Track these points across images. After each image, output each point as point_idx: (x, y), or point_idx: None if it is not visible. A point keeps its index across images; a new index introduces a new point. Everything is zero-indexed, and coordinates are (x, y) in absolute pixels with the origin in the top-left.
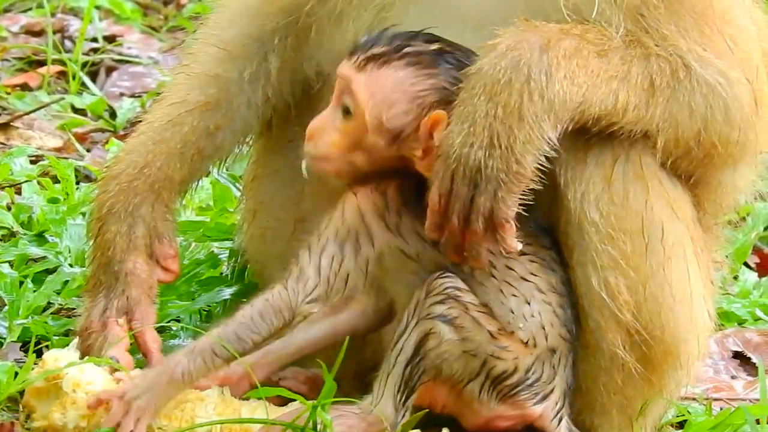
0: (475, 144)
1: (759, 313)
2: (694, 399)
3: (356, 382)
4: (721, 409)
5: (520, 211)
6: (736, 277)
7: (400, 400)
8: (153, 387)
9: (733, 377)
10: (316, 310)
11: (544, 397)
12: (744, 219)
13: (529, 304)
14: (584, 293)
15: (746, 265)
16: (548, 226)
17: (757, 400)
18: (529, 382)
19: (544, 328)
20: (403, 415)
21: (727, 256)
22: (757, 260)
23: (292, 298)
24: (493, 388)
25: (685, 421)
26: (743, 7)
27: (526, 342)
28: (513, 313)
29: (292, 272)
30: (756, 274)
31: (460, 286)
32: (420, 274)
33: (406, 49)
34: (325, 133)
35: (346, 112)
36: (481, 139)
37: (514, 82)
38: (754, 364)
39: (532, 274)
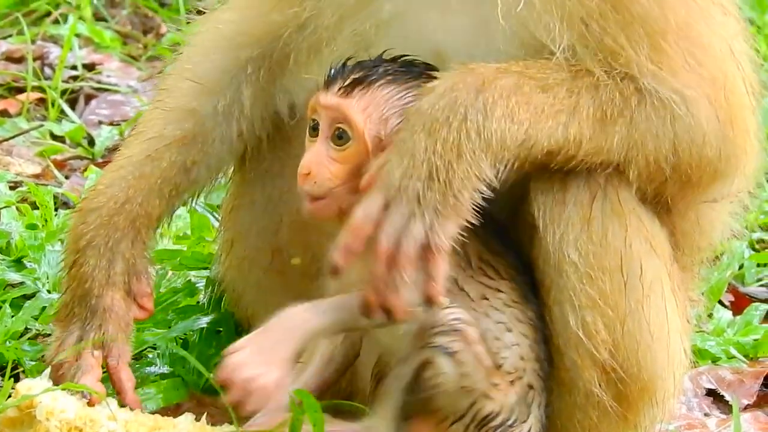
0: (414, 176)
1: (733, 351)
2: None
3: (331, 413)
4: None
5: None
6: (710, 315)
7: (396, 426)
8: (281, 340)
9: (706, 414)
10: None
11: None
12: (719, 257)
13: (510, 331)
14: (560, 332)
15: (721, 303)
16: (526, 262)
17: None
18: (509, 422)
19: (522, 359)
20: None
21: (702, 294)
22: (732, 298)
23: None
24: (478, 430)
25: None
26: (710, 21)
27: (511, 373)
28: (498, 340)
29: None
30: (730, 312)
31: (466, 319)
32: None
33: (381, 69)
34: (323, 167)
35: (341, 138)
36: (420, 171)
37: (452, 121)
38: (728, 402)
39: (514, 301)
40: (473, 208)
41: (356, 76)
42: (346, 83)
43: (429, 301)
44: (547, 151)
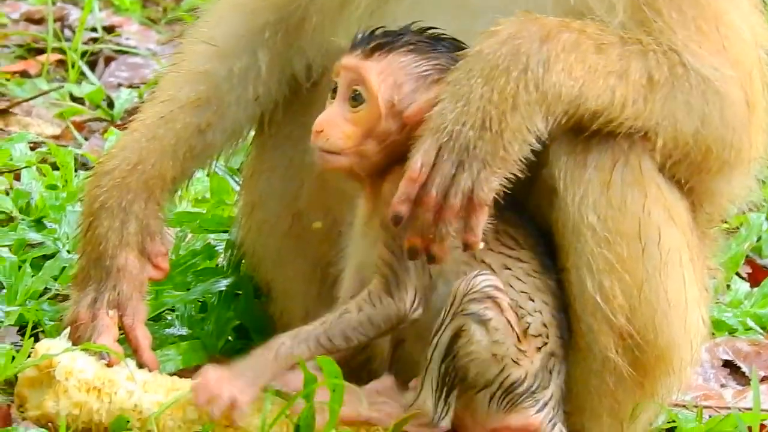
0: (468, 123)
1: (750, 322)
2: (683, 406)
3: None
4: (710, 416)
5: (516, 212)
6: (728, 287)
7: (439, 396)
8: (258, 363)
9: (722, 386)
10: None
11: (544, 405)
12: (737, 229)
13: (533, 301)
14: (577, 297)
15: (738, 275)
16: (546, 231)
17: (747, 408)
18: (533, 388)
19: (545, 326)
20: (444, 412)
21: (719, 266)
22: (749, 270)
23: (401, 306)
24: (504, 398)
25: (675, 427)
26: (739, 11)
27: (537, 336)
28: (521, 308)
29: (389, 279)
30: (747, 284)
31: (499, 285)
32: None
33: (405, 38)
34: (336, 126)
35: (356, 100)
36: (474, 119)
37: (512, 70)
38: (744, 373)
39: (534, 271)
40: (519, 162)
41: (379, 41)
42: (368, 47)
43: (468, 248)
44: (592, 111)
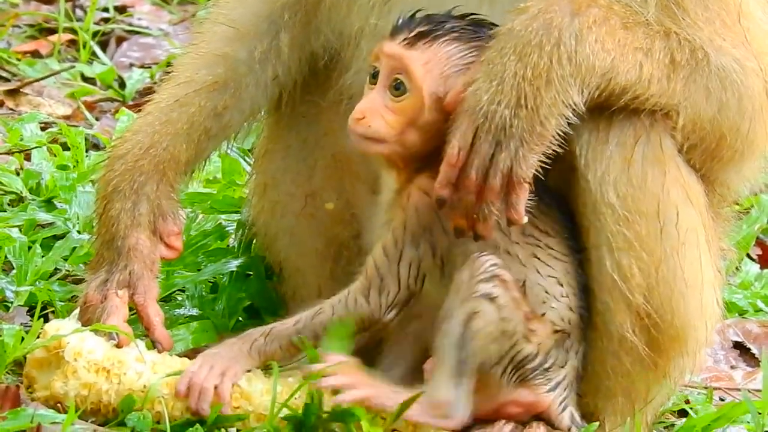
0: (503, 102)
1: (760, 304)
2: (694, 387)
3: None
4: (720, 399)
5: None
6: (738, 268)
7: (457, 383)
8: (234, 356)
9: (732, 367)
10: (394, 315)
11: (557, 385)
12: (748, 210)
13: (561, 285)
14: (596, 275)
15: (749, 256)
16: (569, 211)
17: (756, 390)
18: (546, 366)
19: (571, 310)
20: (463, 402)
21: (730, 247)
22: (760, 252)
23: (375, 310)
24: (515, 372)
25: (686, 409)
26: (758, 4)
27: (555, 323)
28: (547, 293)
29: (372, 280)
30: (758, 265)
31: (501, 264)
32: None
33: (447, 25)
34: (378, 114)
35: (398, 89)
36: (509, 98)
37: (544, 45)
38: (754, 354)
39: (564, 255)
40: (556, 137)
41: (422, 29)
42: (411, 35)
43: (511, 224)
44: (622, 86)
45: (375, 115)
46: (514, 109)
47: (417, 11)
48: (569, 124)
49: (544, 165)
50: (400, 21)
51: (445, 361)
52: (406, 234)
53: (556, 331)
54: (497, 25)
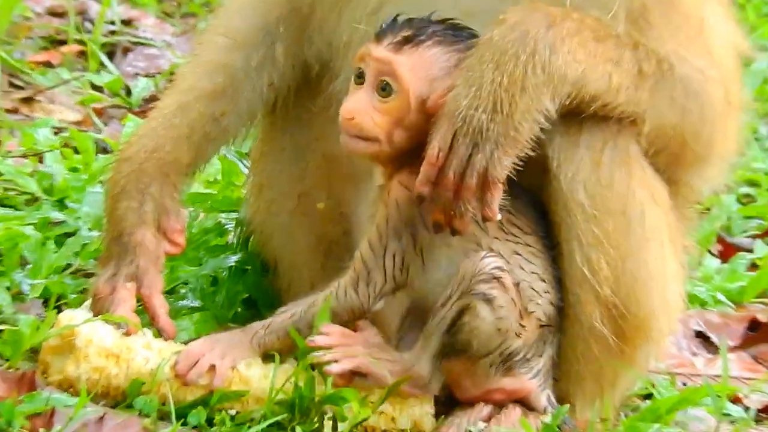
0: (480, 107)
1: (720, 296)
2: (658, 373)
3: None
4: (683, 383)
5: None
6: (700, 263)
7: (435, 363)
8: (235, 343)
9: (694, 354)
10: (382, 304)
11: (537, 372)
12: (709, 209)
13: (543, 281)
14: (567, 269)
15: (710, 252)
16: (542, 212)
17: (716, 376)
18: (528, 356)
19: (552, 304)
20: (435, 381)
21: (693, 243)
22: (720, 248)
23: (363, 300)
24: (503, 365)
25: (651, 394)
26: (718, 16)
27: (541, 319)
28: (533, 289)
29: (360, 273)
30: (718, 260)
31: (503, 266)
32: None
33: (430, 30)
34: (366, 114)
35: (385, 90)
36: (486, 103)
37: (520, 54)
38: (714, 343)
39: (540, 251)
40: (529, 141)
41: (407, 33)
42: (396, 39)
43: (485, 221)
44: (592, 94)
45: (364, 115)
46: (490, 114)
47: (398, 15)
48: (542, 129)
49: (519, 167)
50: (384, 25)
51: (431, 341)
52: (389, 228)
53: (542, 326)
54: (472, 29)
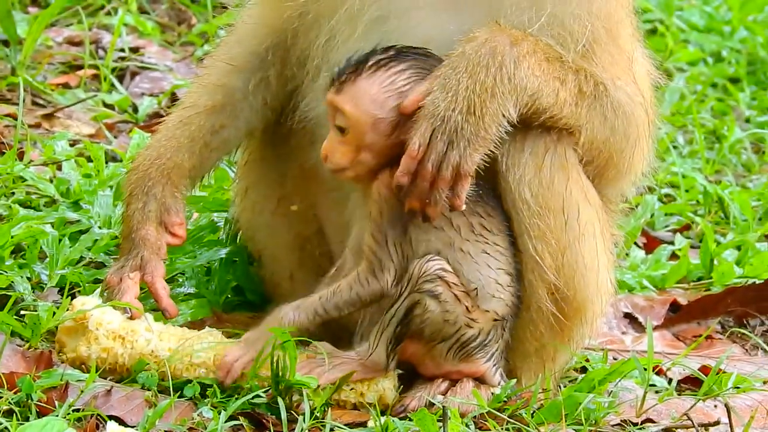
0: (456, 109)
1: (645, 282)
2: (592, 349)
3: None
4: (614, 358)
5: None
6: (627, 254)
7: (390, 350)
8: (266, 332)
9: (623, 333)
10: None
11: (491, 356)
12: (635, 207)
13: (509, 275)
14: (521, 258)
15: (636, 244)
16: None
17: (643, 351)
18: (485, 342)
19: (513, 295)
20: (391, 363)
21: (622, 236)
22: (645, 241)
23: (383, 285)
24: (459, 350)
25: (585, 367)
26: (640, 52)
27: (498, 313)
28: (498, 283)
29: (373, 262)
30: (643, 251)
31: (446, 268)
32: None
33: (368, 62)
34: (335, 150)
35: (340, 128)
36: (461, 106)
37: (490, 66)
38: (641, 323)
39: (507, 249)
40: (496, 141)
41: (345, 74)
42: (340, 80)
43: (453, 209)
44: (543, 107)
45: (333, 151)
46: (465, 115)
47: (348, 58)
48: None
49: (480, 169)
50: (334, 72)
51: (385, 331)
52: (384, 220)
53: (496, 320)
54: (422, 49)
